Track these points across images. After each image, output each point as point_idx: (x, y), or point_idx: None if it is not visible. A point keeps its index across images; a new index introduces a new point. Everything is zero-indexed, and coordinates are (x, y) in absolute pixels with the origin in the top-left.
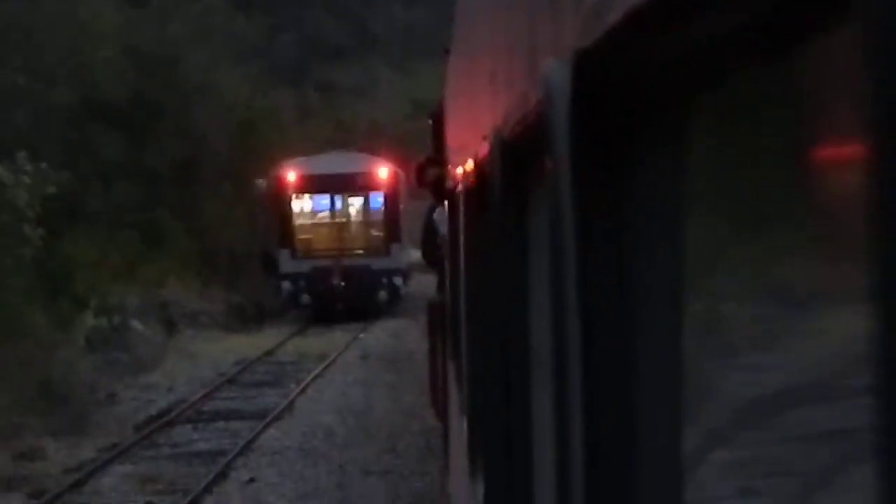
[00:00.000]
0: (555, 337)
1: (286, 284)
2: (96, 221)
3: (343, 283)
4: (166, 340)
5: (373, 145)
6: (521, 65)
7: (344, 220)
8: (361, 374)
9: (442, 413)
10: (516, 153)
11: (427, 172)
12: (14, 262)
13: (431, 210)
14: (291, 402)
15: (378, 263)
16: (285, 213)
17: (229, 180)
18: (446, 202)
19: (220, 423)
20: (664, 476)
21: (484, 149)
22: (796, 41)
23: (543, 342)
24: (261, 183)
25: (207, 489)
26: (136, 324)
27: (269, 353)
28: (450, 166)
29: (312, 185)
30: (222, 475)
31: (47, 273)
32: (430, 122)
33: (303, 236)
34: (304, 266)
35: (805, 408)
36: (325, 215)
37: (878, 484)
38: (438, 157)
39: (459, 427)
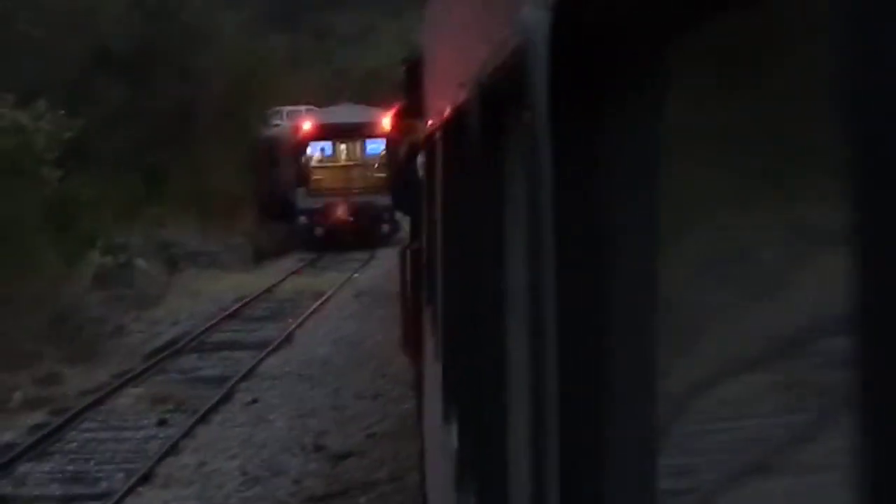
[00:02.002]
0: (530, 281)
1: (302, 219)
2: (100, 164)
3: (351, 218)
4: (169, 278)
5: (369, 92)
6: (499, 11)
7: (351, 163)
8: (355, 310)
9: (416, 358)
10: (494, 100)
11: (402, 121)
12: (32, 202)
13: (405, 158)
14: (290, 335)
15: (380, 200)
16: (302, 157)
17: (228, 123)
18: (423, 149)
19: (224, 353)
20: (639, 420)
21: (462, 96)
22: None
23: (519, 287)
24: (277, 130)
25: (214, 408)
26: (140, 262)
27: (268, 290)
28: (427, 113)
29: (325, 132)
30: (227, 397)
31: (56, 213)
32: (404, 68)
33: (316, 177)
34: (318, 203)
35: (783, 357)
36: (336, 159)
37: (855, 445)
38: (413, 106)
39: (434, 372)
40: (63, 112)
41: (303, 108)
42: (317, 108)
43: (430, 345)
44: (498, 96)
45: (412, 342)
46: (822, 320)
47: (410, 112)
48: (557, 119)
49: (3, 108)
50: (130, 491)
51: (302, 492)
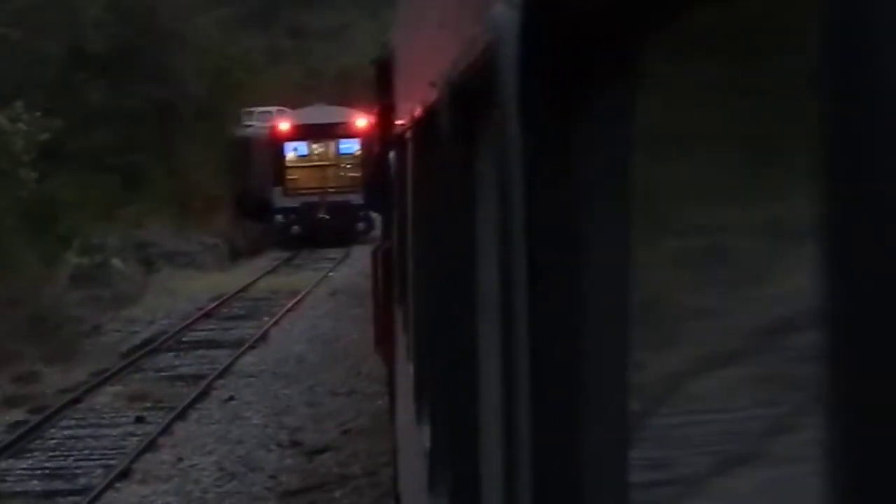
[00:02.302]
0: (502, 282)
1: (279, 217)
2: (77, 165)
3: (327, 216)
4: (145, 278)
5: (343, 90)
6: (469, 8)
7: (326, 162)
8: (330, 308)
9: (388, 358)
10: (465, 98)
11: (375, 120)
12: (10, 204)
13: (377, 158)
14: (265, 333)
15: (356, 199)
16: (278, 157)
17: (204, 123)
18: (394, 148)
19: (200, 351)
20: (612, 419)
21: (433, 94)
22: None
23: (490, 287)
24: (252, 130)
25: (191, 405)
26: (116, 262)
27: (244, 289)
28: (397, 112)
29: (301, 133)
30: (204, 394)
31: (33, 214)
32: (374, 67)
33: (292, 177)
34: (295, 202)
35: (757, 352)
36: (311, 159)
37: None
38: (384, 106)
39: (405, 372)
40: (40, 113)
41: (273, 108)
42: (287, 109)
43: (402, 345)
44: (469, 95)
45: (384, 342)
46: (795, 316)
47: (381, 111)
48: (528, 118)
49: None
50: (109, 486)
51: (278, 486)
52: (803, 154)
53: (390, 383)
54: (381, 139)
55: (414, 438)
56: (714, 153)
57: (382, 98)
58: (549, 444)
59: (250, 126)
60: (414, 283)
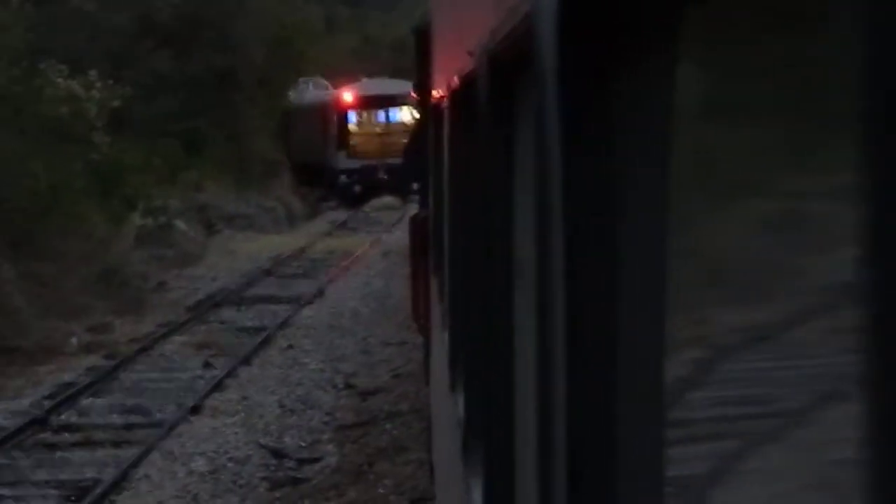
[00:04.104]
0: (538, 250)
1: (343, 178)
2: (142, 130)
3: (386, 176)
4: (206, 239)
5: (399, 58)
6: None
7: (381, 129)
8: (383, 268)
9: (424, 327)
10: (503, 68)
11: (420, 90)
12: (84, 167)
13: (416, 127)
14: (322, 290)
15: None
16: (343, 125)
17: (263, 90)
18: (431, 117)
19: (261, 306)
20: (648, 388)
21: (470, 63)
22: None
23: (527, 255)
24: (313, 98)
25: (254, 353)
26: (179, 223)
27: (301, 250)
28: (435, 81)
29: (363, 103)
30: (265, 343)
31: (102, 176)
32: (414, 35)
33: (355, 142)
34: (357, 164)
35: (792, 337)
36: (370, 126)
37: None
38: (423, 74)
39: (441, 341)
40: (112, 81)
41: (322, 79)
42: (323, 80)
43: (438, 313)
44: (507, 64)
45: (421, 311)
46: (834, 299)
47: (420, 80)
48: (566, 86)
49: (58, 79)
50: (182, 420)
51: (334, 421)
52: (848, 129)
53: (426, 353)
54: (420, 108)
55: (448, 407)
56: (754, 121)
57: (421, 67)
58: (584, 413)
59: (306, 94)
60: (450, 251)
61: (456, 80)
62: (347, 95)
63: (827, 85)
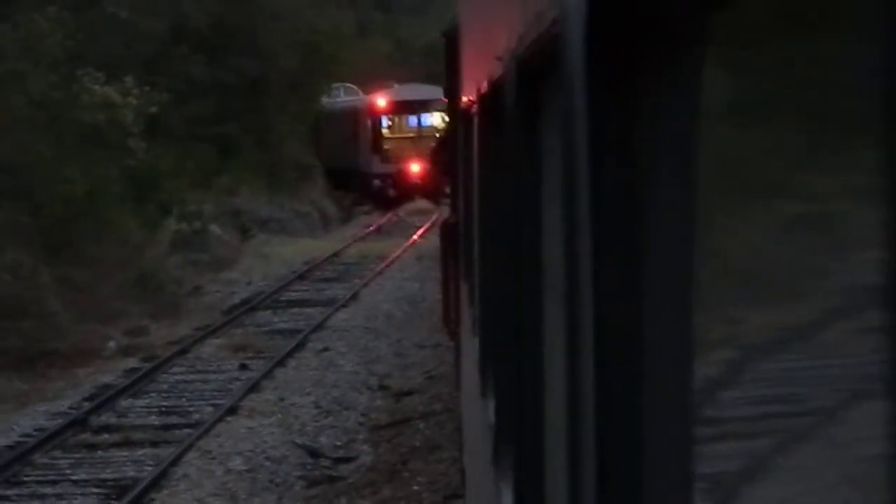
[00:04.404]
0: (566, 256)
1: (377, 182)
2: (175, 136)
3: (419, 181)
4: (241, 243)
5: (431, 63)
6: None
7: (413, 134)
8: (416, 271)
9: (454, 332)
10: (531, 73)
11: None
12: (119, 172)
13: (444, 132)
14: (356, 293)
15: None
16: (377, 129)
17: (295, 96)
18: (460, 122)
19: (296, 309)
20: (676, 394)
21: (498, 69)
22: None
23: (555, 261)
24: (345, 104)
25: (290, 355)
26: (214, 228)
27: (335, 254)
28: (463, 86)
29: (396, 108)
30: (301, 345)
31: (136, 182)
32: (444, 40)
33: (388, 146)
34: (391, 168)
35: (817, 337)
36: (403, 131)
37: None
38: (452, 78)
39: (471, 346)
40: (148, 88)
41: (352, 85)
42: (354, 86)
43: (468, 318)
44: (534, 69)
45: (451, 315)
46: (859, 300)
47: (449, 85)
48: (594, 92)
49: (94, 85)
50: (220, 420)
51: (369, 421)
52: (873, 134)
53: (457, 357)
54: (450, 112)
55: (479, 412)
56: (778, 123)
57: (450, 71)
58: (613, 417)
59: (338, 100)
60: (479, 256)
61: (484, 84)
62: (381, 101)
63: (850, 87)
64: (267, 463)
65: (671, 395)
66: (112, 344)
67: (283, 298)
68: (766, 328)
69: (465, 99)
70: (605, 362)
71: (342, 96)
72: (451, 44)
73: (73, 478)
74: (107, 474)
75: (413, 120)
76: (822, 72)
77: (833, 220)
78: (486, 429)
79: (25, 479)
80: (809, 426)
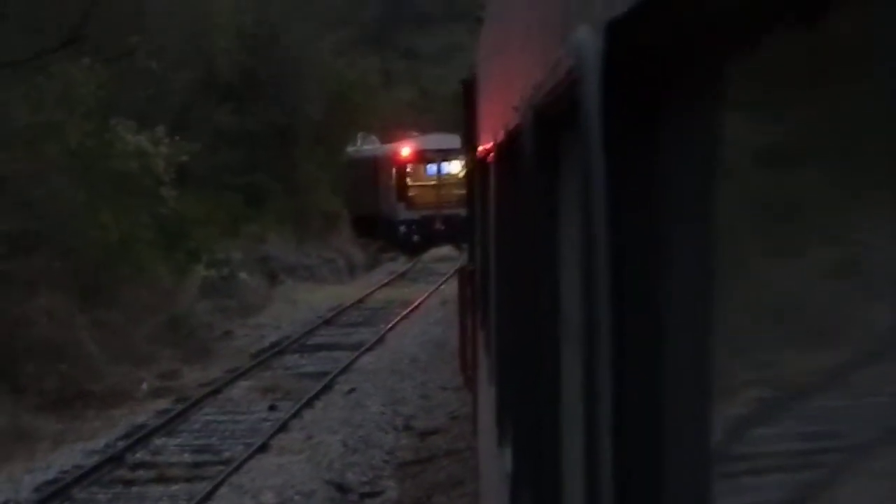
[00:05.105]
0: (584, 307)
1: (402, 228)
2: (204, 184)
3: (443, 227)
4: (269, 290)
5: (456, 111)
6: (552, 33)
7: (436, 182)
8: (441, 316)
9: (471, 380)
10: (548, 122)
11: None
12: (150, 220)
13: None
14: (382, 337)
15: (463, 212)
16: (401, 177)
17: (321, 145)
18: (477, 170)
19: (323, 353)
20: (695, 448)
21: (515, 118)
22: (828, 5)
23: (573, 312)
24: (369, 152)
25: (317, 396)
26: (243, 275)
27: (361, 300)
28: (481, 134)
29: (420, 157)
30: (328, 387)
31: (166, 229)
32: (462, 89)
33: (413, 194)
34: (415, 215)
35: (844, 382)
36: (427, 179)
37: None
38: (470, 125)
39: (488, 395)
40: (179, 137)
41: (370, 134)
42: (374, 137)
43: (485, 367)
44: (551, 118)
45: (468, 363)
46: (883, 344)
47: (468, 133)
48: (611, 141)
49: (127, 134)
50: (250, 457)
51: (394, 459)
52: (891, 179)
53: (474, 406)
54: (468, 160)
55: (496, 461)
56: (800, 170)
57: (469, 120)
58: (631, 468)
59: (363, 149)
60: (496, 305)
61: (501, 133)
62: (405, 150)
63: (873, 133)
64: (297, 497)
65: (691, 444)
66: (145, 386)
67: (310, 342)
68: (787, 374)
69: (482, 147)
70: (623, 415)
71: (363, 145)
72: (470, 92)
73: None
74: None
75: (433, 168)
76: (844, 119)
77: (858, 264)
78: (504, 477)
79: None
80: (841, 479)
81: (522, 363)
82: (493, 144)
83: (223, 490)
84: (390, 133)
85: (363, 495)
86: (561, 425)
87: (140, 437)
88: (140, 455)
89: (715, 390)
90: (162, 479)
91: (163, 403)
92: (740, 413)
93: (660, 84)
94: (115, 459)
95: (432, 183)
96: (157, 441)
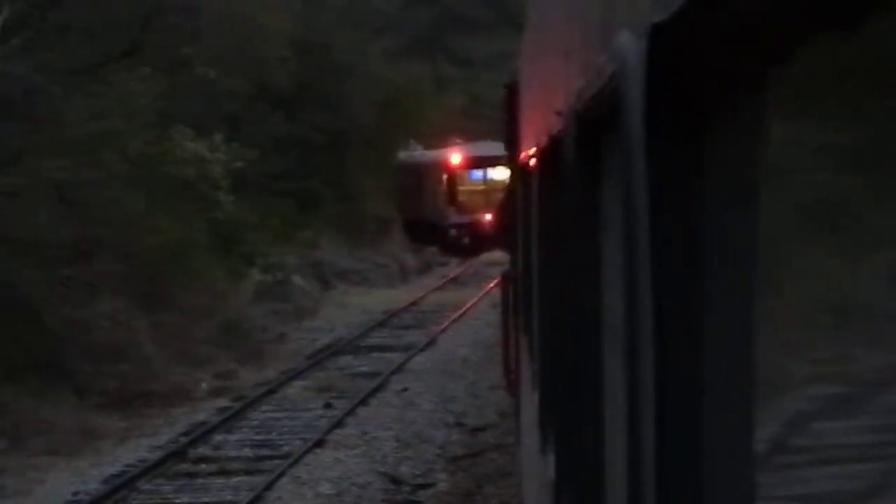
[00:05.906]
0: (627, 312)
1: (452, 231)
2: (258, 190)
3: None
4: (322, 294)
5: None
6: (595, 38)
7: (484, 187)
8: (491, 319)
9: (514, 384)
10: (590, 127)
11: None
12: (206, 225)
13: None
14: (433, 339)
15: None
16: (452, 183)
17: (373, 151)
18: (519, 176)
19: (376, 354)
20: (738, 452)
21: (558, 123)
22: (871, 11)
23: (616, 317)
24: (422, 159)
25: (371, 395)
26: (297, 279)
27: (413, 303)
28: (524, 140)
29: (470, 163)
30: (381, 387)
31: (221, 234)
32: (505, 91)
33: (463, 199)
34: (465, 219)
35: (877, 391)
36: (476, 185)
37: None
38: (512, 130)
39: (531, 401)
40: (237, 144)
41: (416, 143)
42: (421, 147)
43: (527, 373)
44: (594, 123)
45: (511, 369)
46: None
47: (511, 138)
48: (653, 146)
49: (184, 141)
50: (308, 452)
51: (446, 453)
52: None
53: (516, 413)
54: (510, 166)
55: (539, 468)
56: (842, 176)
57: (511, 125)
58: (674, 474)
59: (414, 154)
60: (538, 311)
61: (544, 139)
62: (455, 157)
63: None
64: (353, 488)
65: (734, 453)
66: (204, 385)
67: (363, 344)
68: (827, 388)
69: (524, 153)
70: (666, 419)
71: (419, 152)
72: (512, 96)
73: (177, 501)
74: (207, 498)
75: (478, 174)
76: (885, 124)
77: (889, 281)
78: (547, 485)
79: (133, 502)
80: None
81: (565, 369)
82: (536, 150)
83: (283, 481)
84: (436, 141)
85: (416, 487)
86: (604, 434)
87: (201, 433)
88: (202, 450)
89: (757, 400)
90: (224, 472)
91: (221, 402)
92: (799, 408)
93: (702, 88)
94: (178, 454)
95: (479, 187)
96: (218, 437)
